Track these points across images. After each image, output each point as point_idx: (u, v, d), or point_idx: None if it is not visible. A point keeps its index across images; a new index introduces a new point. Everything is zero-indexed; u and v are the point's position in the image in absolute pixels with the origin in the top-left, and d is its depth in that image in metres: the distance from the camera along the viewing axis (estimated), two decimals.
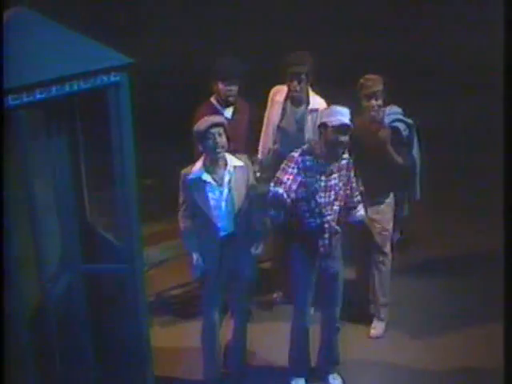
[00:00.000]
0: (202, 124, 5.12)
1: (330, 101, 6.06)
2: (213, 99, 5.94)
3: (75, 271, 4.99)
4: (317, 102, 6.11)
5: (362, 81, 5.82)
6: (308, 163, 5.17)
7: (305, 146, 5.25)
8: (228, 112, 5.93)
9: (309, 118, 6.08)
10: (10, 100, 4.01)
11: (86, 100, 4.58)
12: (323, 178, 5.20)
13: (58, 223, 4.98)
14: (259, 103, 6.30)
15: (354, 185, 5.40)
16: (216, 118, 5.20)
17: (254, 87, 5.96)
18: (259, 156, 6.32)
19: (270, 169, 6.09)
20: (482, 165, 7.93)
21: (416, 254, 7.14)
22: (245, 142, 5.96)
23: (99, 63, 4.33)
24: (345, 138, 5.09)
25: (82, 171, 5.09)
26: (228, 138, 5.15)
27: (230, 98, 5.87)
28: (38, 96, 4.12)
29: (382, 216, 6.06)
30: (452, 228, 7.53)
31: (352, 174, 5.36)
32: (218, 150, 5.12)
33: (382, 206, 6.05)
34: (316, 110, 6.06)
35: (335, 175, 5.25)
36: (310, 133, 6.02)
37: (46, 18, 4.41)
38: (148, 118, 6.20)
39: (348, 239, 5.86)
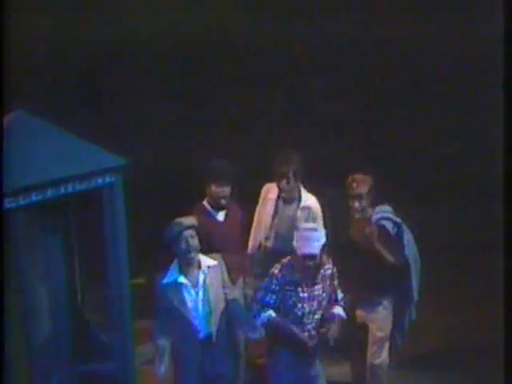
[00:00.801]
0: (173, 228, 5.31)
1: (322, 198, 6.35)
2: (205, 202, 6.17)
3: (67, 372, 5.13)
4: (308, 199, 6.36)
5: (349, 180, 6.06)
6: (288, 278, 5.46)
7: (285, 260, 5.54)
8: (221, 215, 6.17)
9: (301, 215, 6.29)
10: (7, 203, 4.29)
11: (81, 199, 4.86)
12: (305, 289, 5.48)
13: (51, 321, 5.17)
14: (251, 202, 6.54)
15: (338, 292, 5.69)
16: (187, 221, 5.38)
17: (246, 186, 6.22)
18: (249, 250, 6.53)
19: (260, 265, 6.29)
20: (481, 259, 8.06)
21: (413, 348, 7.22)
22: (236, 245, 6.18)
23: (94, 165, 4.64)
24: (312, 263, 5.40)
25: (75, 269, 5.31)
26: (200, 240, 5.36)
27: (223, 201, 6.08)
28: (34, 198, 4.40)
29: (379, 317, 6.20)
30: (451, 321, 7.63)
31: (336, 282, 5.64)
32: (192, 254, 5.32)
33: (379, 307, 6.18)
34: (308, 208, 6.30)
35: (319, 286, 5.54)
36: None
37: (44, 121, 4.74)
38: (141, 217, 6.44)
39: (346, 337, 6.01)
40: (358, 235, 6.05)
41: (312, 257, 5.39)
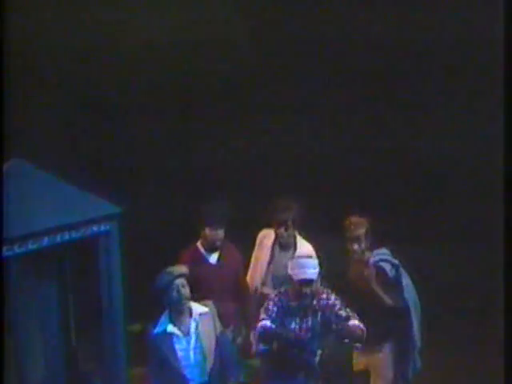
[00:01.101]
0: (164, 277, 5.37)
1: (318, 245, 6.44)
2: (199, 244, 6.29)
3: None
4: (304, 247, 6.44)
5: (346, 223, 6.15)
6: (284, 303, 5.61)
7: (282, 289, 5.72)
8: (213, 257, 6.29)
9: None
10: (4, 251, 4.39)
11: (77, 246, 4.96)
12: (297, 320, 5.63)
13: (45, 368, 5.23)
14: (246, 246, 6.64)
15: (341, 312, 5.69)
16: (178, 270, 5.46)
17: (241, 230, 6.32)
18: (245, 295, 6.53)
19: (255, 310, 6.36)
20: (483, 305, 8.09)
21: None
22: (229, 288, 6.27)
23: (90, 213, 4.76)
24: (309, 290, 5.55)
25: (70, 316, 5.39)
26: (191, 286, 5.43)
27: (217, 243, 6.23)
28: (30, 247, 4.50)
29: (380, 363, 6.20)
30: (453, 368, 7.64)
31: (334, 310, 5.66)
32: (183, 303, 5.37)
33: (380, 355, 6.19)
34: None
35: (310, 318, 5.65)
36: None
37: (41, 170, 4.86)
38: (136, 262, 6.54)
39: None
40: (356, 278, 6.13)
41: (308, 282, 5.53)
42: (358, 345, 5.71)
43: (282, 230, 6.34)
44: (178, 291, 5.31)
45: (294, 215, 6.31)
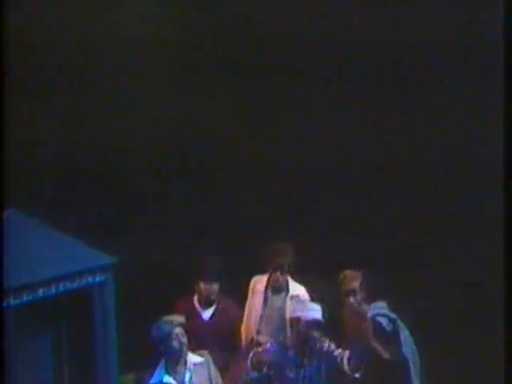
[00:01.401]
0: (163, 327, 5.44)
1: (311, 290, 6.54)
2: (195, 299, 6.39)
3: None
4: (297, 288, 6.56)
5: (341, 276, 6.23)
6: (281, 351, 5.71)
7: (280, 337, 5.90)
8: (207, 313, 6.38)
9: (289, 304, 6.42)
10: None
11: (71, 296, 5.04)
12: (293, 369, 5.72)
13: None
14: (241, 297, 6.72)
15: (336, 352, 5.77)
16: (176, 319, 5.54)
17: (235, 281, 6.42)
18: (242, 346, 6.58)
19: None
20: (483, 357, 8.09)
21: None
22: (223, 342, 6.32)
23: (85, 263, 4.85)
24: (317, 334, 5.66)
25: (64, 366, 5.44)
26: (188, 338, 5.50)
27: (212, 297, 6.34)
28: (25, 298, 4.58)
29: None
30: None
31: (329, 353, 5.75)
32: (183, 352, 5.46)
33: None
34: (297, 296, 6.49)
35: (307, 367, 5.74)
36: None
37: (36, 221, 4.96)
38: (131, 313, 6.62)
39: None
40: (352, 332, 6.16)
41: (318, 324, 5.68)
42: (357, 375, 5.76)
43: (278, 273, 6.46)
44: (179, 340, 5.40)
45: (290, 260, 6.45)
